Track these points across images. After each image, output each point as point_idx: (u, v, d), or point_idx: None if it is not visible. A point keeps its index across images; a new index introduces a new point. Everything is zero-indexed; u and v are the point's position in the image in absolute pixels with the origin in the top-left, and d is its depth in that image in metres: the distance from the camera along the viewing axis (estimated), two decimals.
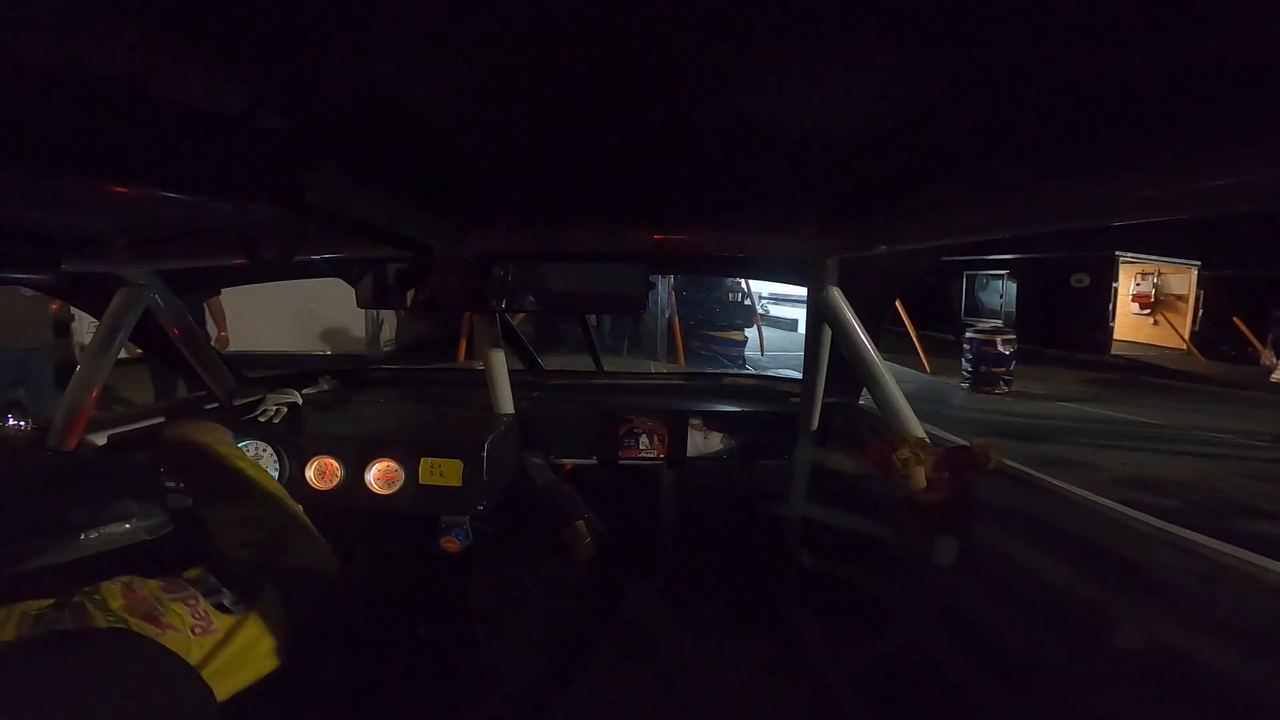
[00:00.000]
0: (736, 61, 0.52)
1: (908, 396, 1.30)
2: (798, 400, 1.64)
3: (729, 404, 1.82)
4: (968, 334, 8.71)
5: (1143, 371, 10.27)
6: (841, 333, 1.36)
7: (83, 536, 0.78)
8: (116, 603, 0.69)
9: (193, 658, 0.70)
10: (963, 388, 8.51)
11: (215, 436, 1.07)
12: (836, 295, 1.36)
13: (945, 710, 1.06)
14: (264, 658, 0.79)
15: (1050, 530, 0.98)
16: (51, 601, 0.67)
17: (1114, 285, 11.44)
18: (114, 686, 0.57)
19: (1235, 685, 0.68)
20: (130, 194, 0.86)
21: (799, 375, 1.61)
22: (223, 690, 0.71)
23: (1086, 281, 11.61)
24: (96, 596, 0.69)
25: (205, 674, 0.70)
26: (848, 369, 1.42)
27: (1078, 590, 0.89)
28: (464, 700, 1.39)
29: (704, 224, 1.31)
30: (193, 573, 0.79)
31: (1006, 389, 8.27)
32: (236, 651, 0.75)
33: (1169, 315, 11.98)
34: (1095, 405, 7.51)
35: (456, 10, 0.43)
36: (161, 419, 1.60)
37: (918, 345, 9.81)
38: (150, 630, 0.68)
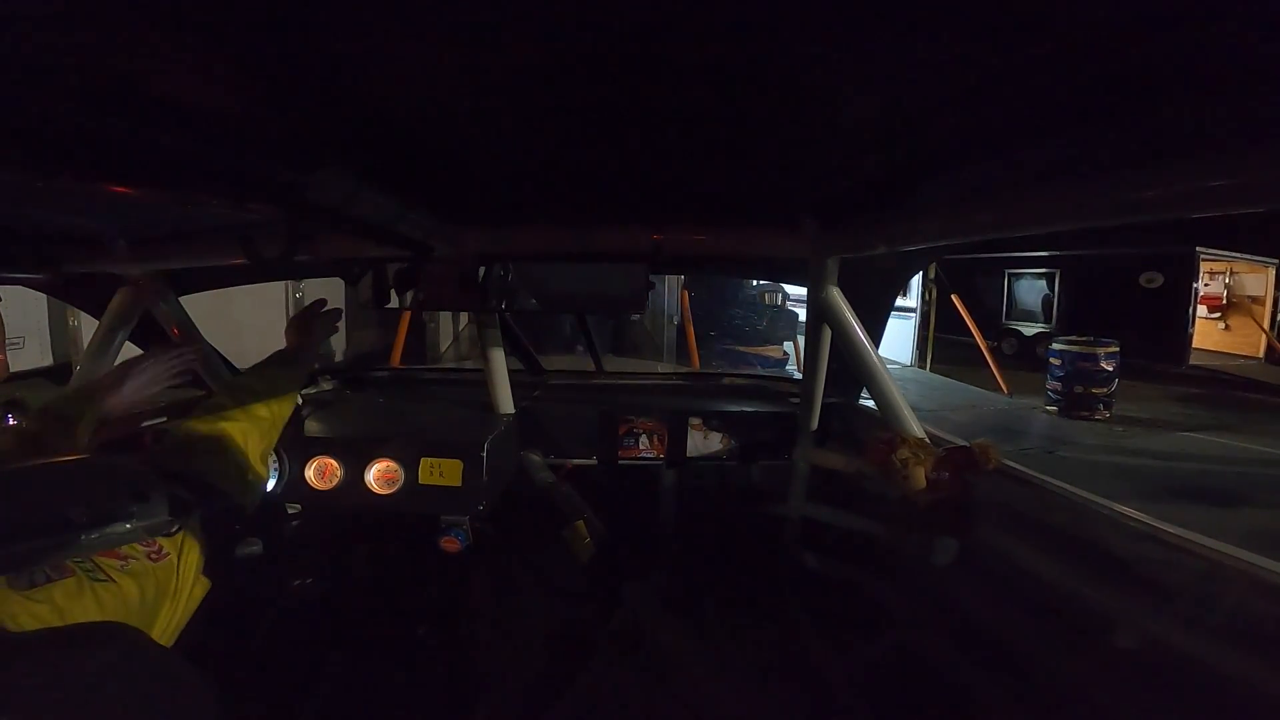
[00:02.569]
0: (736, 62, 0.52)
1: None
2: (798, 400, 1.64)
3: (729, 404, 1.82)
4: (1056, 345, 7.08)
5: (1231, 386, 8.67)
6: (841, 333, 1.36)
7: (83, 537, 0.78)
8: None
9: (162, 583, 0.75)
10: (1050, 412, 6.83)
11: None
12: (836, 295, 1.36)
13: (945, 710, 1.06)
14: (200, 572, 0.83)
15: (1050, 530, 0.98)
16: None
17: (1195, 285, 9.84)
18: (113, 686, 0.57)
19: (1235, 685, 0.68)
20: (130, 194, 0.86)
21: (799, 375, 1.61)
22: (188, 608, 0.78)
23: (1160, 281, 9.95)
24: None
25: (172, 598, 0.75)
26: (848, 369, 1.42)
27: (1077, 590, 0.89)
28: (464, 700, 1.39)
29: (704, 224, 1.31)
30: None
31: (1108, 414, 6.65)
32: (186, 570, 0.79)
33: (1246, 319, 10.51)
34: (1225, 435, 6.08)
35: (456, 11, 0.43)
36: (163, 419, 1.60)
37: (990, 359, 8.07)
38: (114, 564, 0.71)
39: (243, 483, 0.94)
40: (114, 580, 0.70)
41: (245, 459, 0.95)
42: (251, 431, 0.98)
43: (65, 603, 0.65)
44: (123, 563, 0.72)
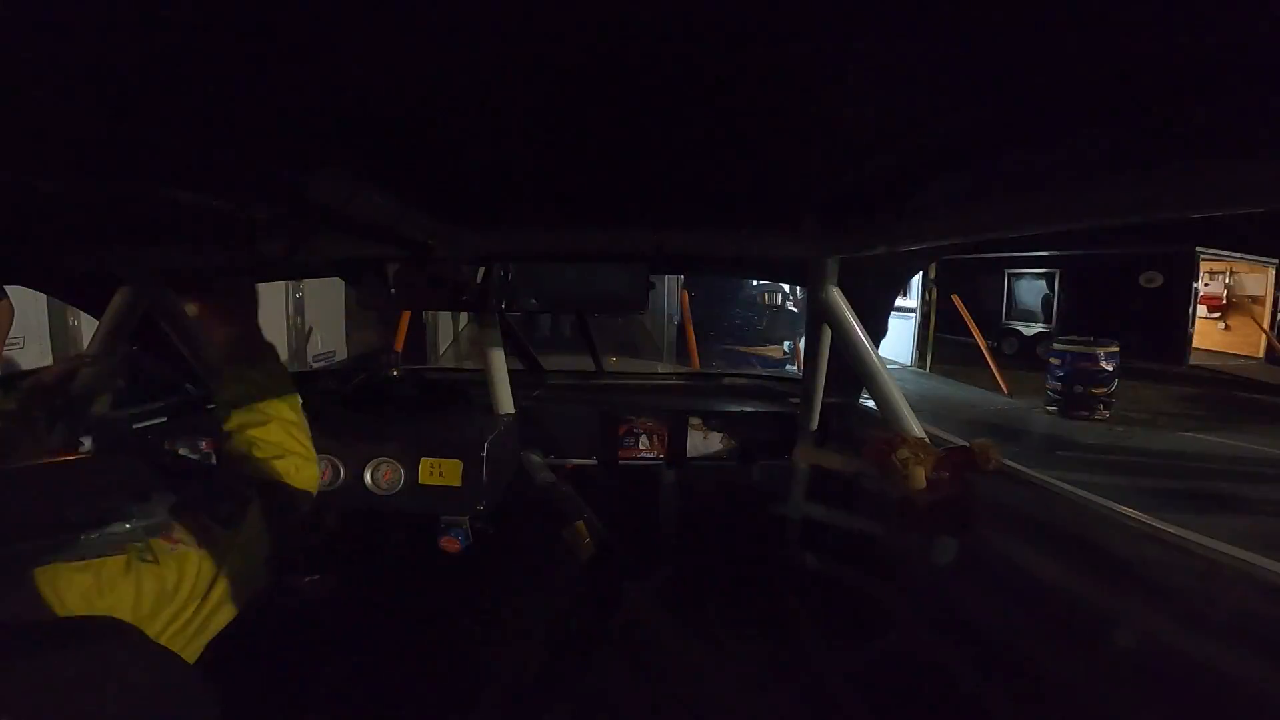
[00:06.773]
0: (736, 62, 0.52)
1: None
2: (798, 400, 1.64)
3: (729, 404, 1.82)
4: (1056, 345, 7.14)
5: (1231, 386, 8.64)
6: (841, 333, 1.36)
7: (83, 537, 0.78)
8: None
9: (203, 574, 0.74)
10: (1049, 412, 6.88)
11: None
12: (836, 295, 1.36)
13: (944, 710, 1.06)
14: (256, 569, 0.82)
15: (1050, 530, 0.98)
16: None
17: (1195, 285, 9.98)
18: (112, 686, 0.57)
19: (1235, 685, 0.68)
20: (131, 194, 0.86)
21: (799, 375, 1.61)
22: (229, 610, 0.76)
23: (1159, 281, 10.09)
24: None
25: (215, 593, 0.74)
26: (848, 369, 1.42)
27: (1077, 590, 0.89)
28: (464, 700, 1.39)
29: (704, 224, 1.31)
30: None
31: (1107, 414, 6.70)
32: (236, 563, 0.78)
33: (1246, 319, 10.57)
34: (1225, 435, 6.06)
35: (457, 10, 0.43)
36: (163, 419, 1.60)
37: (990, 360, 8.11)
38: (165, 546, 0.71)
39: (309, 481, 0.94)
40: (158, 562, 0.70)
41: (304, 456, 0.95)
42: (296, 428, 0.96)
43: (109, 577, 0.66)
44: (173, 546, 0.72)
